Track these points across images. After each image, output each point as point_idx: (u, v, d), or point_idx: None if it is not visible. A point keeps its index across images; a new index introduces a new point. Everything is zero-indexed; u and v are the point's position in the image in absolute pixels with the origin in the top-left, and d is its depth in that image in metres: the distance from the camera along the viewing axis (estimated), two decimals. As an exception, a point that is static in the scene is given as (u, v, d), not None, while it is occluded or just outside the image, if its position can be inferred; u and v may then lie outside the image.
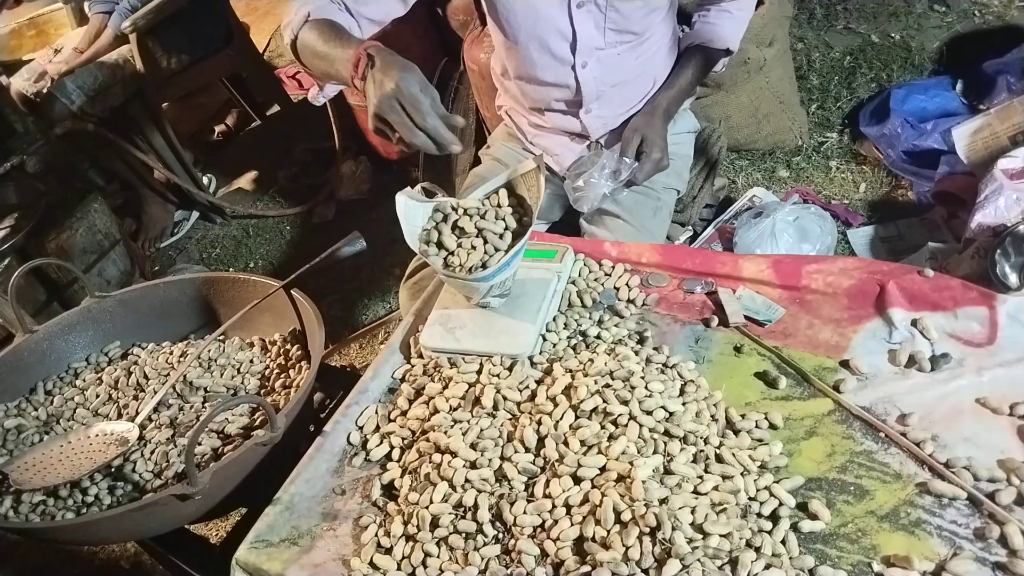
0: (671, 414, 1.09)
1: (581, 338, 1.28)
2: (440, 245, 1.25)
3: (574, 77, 1.65)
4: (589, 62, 1.63)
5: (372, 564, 1.03)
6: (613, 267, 1.41)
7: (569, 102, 1.72)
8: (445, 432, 1.13)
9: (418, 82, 1.15)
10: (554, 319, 1.31)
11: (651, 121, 1.66)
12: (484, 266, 1.21)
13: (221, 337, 1.51)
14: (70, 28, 3.55)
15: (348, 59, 1.25)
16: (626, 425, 1.07)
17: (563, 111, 1.75)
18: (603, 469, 1.03)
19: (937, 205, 2.42)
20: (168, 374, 1.46)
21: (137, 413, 1.36)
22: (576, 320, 1.31)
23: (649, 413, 1.09)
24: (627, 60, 1.65)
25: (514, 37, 1.65)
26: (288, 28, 1.41)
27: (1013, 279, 1.80)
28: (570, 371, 1.18)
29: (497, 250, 1.22)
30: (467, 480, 1.06)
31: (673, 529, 0.94)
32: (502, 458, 1.09)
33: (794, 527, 0.97)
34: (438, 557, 1.02)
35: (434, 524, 1.03)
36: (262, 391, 1.43)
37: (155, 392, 1.40)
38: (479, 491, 1.05)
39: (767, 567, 0.92)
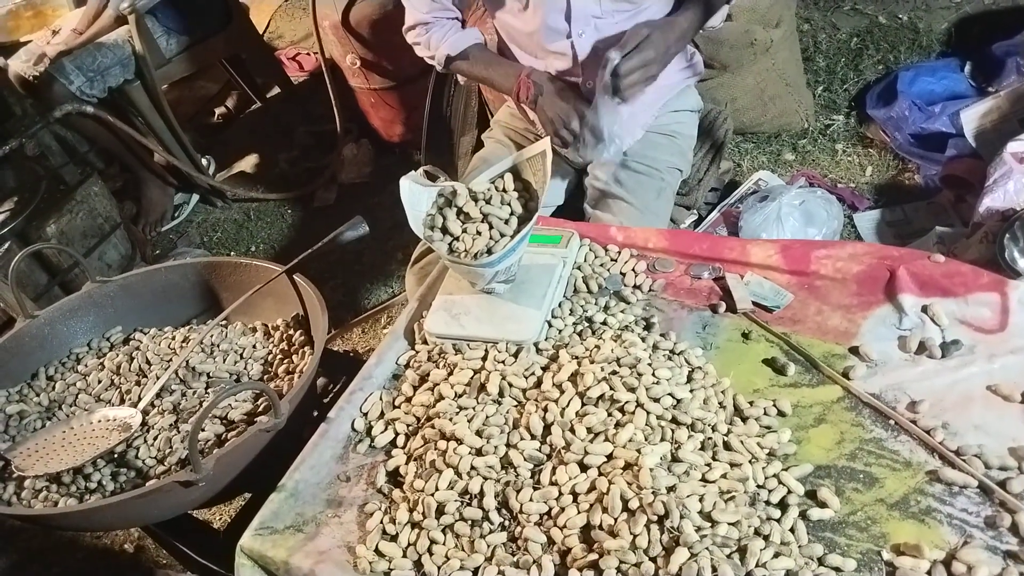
0: (679, 401, 1.08)
1: (587, 324, 1.27)
2: (445, 230, 1.23)
3: (571, 47, 1.63)
4: (586, 31, 1.61)
5: (377, 551, 1.02)
6: (619, 252, 1.40)
7: (568, 74, 1.70)
8: (450, 419, 1.12)
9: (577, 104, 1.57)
10: (560, 305, 1.30)
11: (663, 28, 1.46)
12: (489, 252, 1.19)
13: (223, 322, 1.50)
14: (68, 9, 3.50)
15: (511, 84, 1.69)
16: (633, 412, 1.06)
17: (563, 84, 1.73)
18: (610, 457, 1.02)
19: (944, 189, 2.40)
20: (170, 359, 1.45)
21: (139, 399, 1.35)
22: (582, 306, 1.30)
23: (656, 400, 1.07)
24: (622, 29, 1.62)
25: (508, 9, 1.62)
26: (433, 61, 1.80)
27: (1022, 264, 1.79)
28: (576, 358, 1.17)
29: (503, 235, 1.21)
30: (473, 467, 1.05)
31: (681, 517, 0.93)
32: (508, 445, 1.08)
33: (803, 515, 0.97)
34: (444, 544, 1.01)
35: (440, 511, 1.03)
36: (265, 376, 1.42)
37: (157, 378, 1.39)
38: (485, 478, 1.04)
39: (776, 555, 0.91)
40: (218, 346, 1.47)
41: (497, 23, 1.75)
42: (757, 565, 0.90)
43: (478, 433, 1.09)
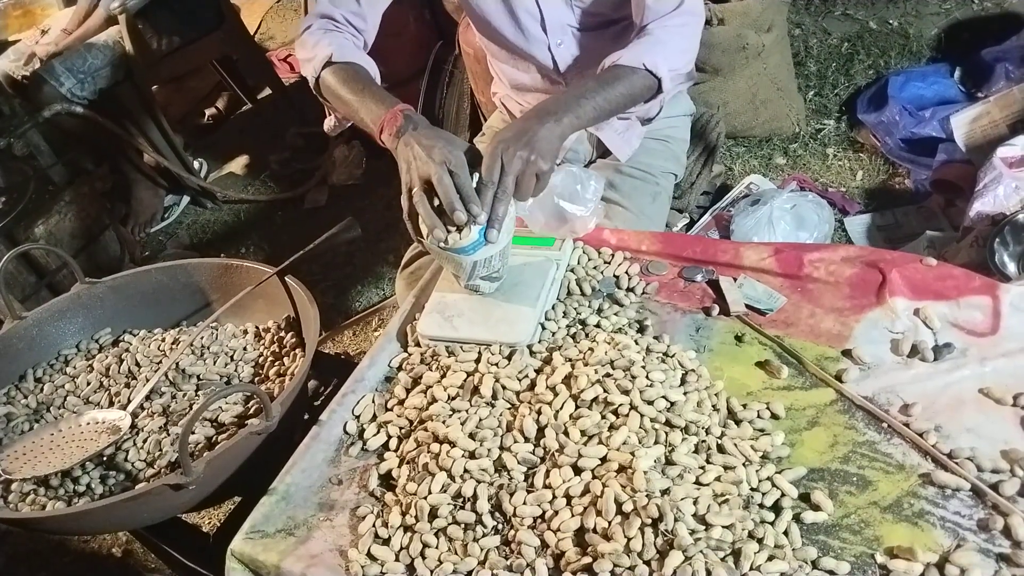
0: (672, 404, 1.08)
1: (580, 327, 1.26)
2: None
3: (551, 58, 1.63)
4: (564, 40, 1.60)
5: (370, 555, 1.02)
6: (613, 255, 1.40)
7: (552, 81, 1.70)
8: (443, 421, 1.11)
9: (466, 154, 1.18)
10: (553, 307, 1.30)
11: (518, 125, 1.22)
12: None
13: (214, 324, 1.49)
14: (57, 8, 3.49)
15: (379, 115, 1.29)
16: (627, 415, 1.06)
17: (547, 91, 1.73)
18: (604, 459, 1.02)
19: (935, 193, 2.42)
20: (160, 361, 1.44)
21: (129, 401, 1.34)
22: (575, 309, 1.29)
23: (650, 403, 1.07)
24: (605, 39, 1.61)
25: (486, 19, 1.62)
26: (309, 65, 1.43)
27: (1012, 268, 1.80)
28: (570, 360, 1.16)
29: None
30: (466, 470, 1.05)
31: (675, 520, 0.93)
32: (501, 448, 1.08)
33: (797, 518, 0.96)
34: (437, 548, 1.00)
35: (433, 515, 1.02)
36: (256, 379, 1.41)
37: (147, 380, 1.38)
38: (478, 481, 1.04)
39: (770, 558, 0.91)
40: (208, 348, 1.46)
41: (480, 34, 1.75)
42: (751, 568, 0.90)
43: (471, 436, 1.08)
